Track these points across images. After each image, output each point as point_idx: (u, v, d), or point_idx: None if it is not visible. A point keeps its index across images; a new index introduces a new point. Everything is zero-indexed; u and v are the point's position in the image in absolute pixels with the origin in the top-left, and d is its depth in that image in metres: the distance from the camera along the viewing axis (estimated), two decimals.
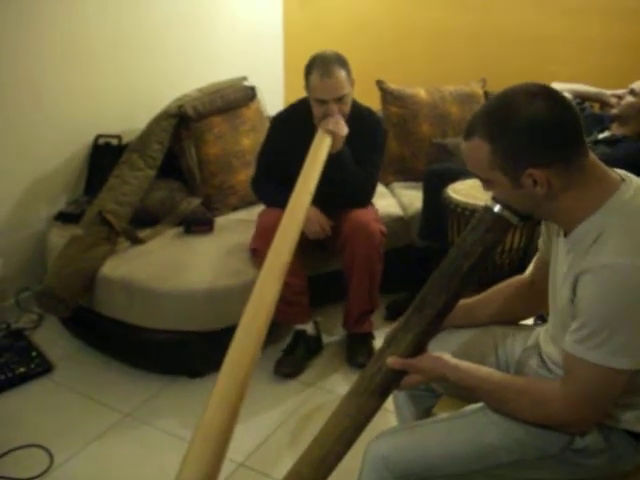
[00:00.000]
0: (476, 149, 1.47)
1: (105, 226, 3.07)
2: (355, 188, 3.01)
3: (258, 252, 2.86)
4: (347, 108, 2.94)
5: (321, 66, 2.85)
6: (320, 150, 2.72)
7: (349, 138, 2.91)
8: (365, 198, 3.11)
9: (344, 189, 2.98)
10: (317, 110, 2.92)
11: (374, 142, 3.08)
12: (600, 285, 1.37)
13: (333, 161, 2.81)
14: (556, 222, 1.58)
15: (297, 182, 2.52)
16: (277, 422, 2.73)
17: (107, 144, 3.57)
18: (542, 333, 1.77)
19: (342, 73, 2.86)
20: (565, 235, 1.52)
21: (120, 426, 2.70)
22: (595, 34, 3.94)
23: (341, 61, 2.89)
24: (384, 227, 3.05)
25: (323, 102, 2.88)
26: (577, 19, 3.97)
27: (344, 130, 2.88)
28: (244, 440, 2.56)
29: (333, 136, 2.82)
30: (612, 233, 1.39)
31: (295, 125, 3.03)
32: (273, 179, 3.05)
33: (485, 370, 1.58)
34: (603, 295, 1.37)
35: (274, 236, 2.25)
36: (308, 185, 2.51)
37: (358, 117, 3.02)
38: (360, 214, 2.99)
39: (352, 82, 2.94)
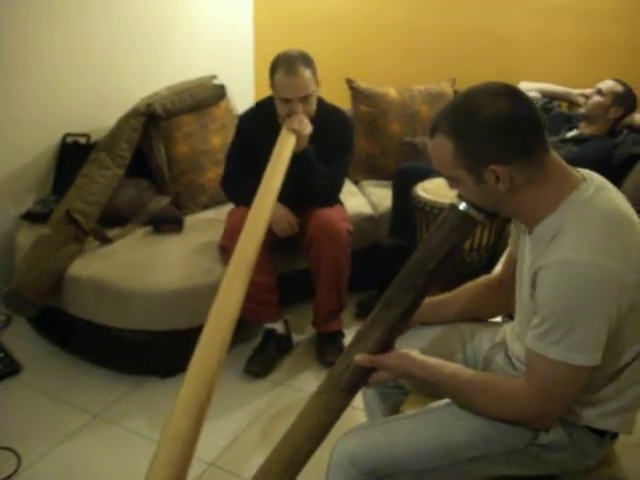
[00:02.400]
0: (440, 146, 1.49)
1: (73, 225, 3.04)
2: (321, 186, 3.01)
3: (227, 250, 2.85)
4: (312, 107, 2.94)
5: (286, 65, 2.85)
6: (284, 149, 2.71)
7: (315, 137, 2.91)
8: (331, 196, 3.12)
9: (310, 187, 2.98)
10: (281, 109, 2.91)
11: (341, 141, 3.09)
12: (556, 281, 1.40)
13: (298, 160, 2.81)
14: (520, 219, 1.60)
15: (262, 181, 2.52)
16: (247, 421, 2.72)
17: (75, 143, 3.54)
18: (508, 330, 1.79)
19: (307, 72, 2.86)
20: (530, 233, 1.55)
21: (89, 427, 2.68)
22: (563, 35, 3.99)
23: (306, 60, 2.89)
24: (351, 226, 3.05)
25: (288, 101, 2.87)
26: (546, 20, 4.02)
27: (308, 129, 2.87)
28: (214, 440, 2.56)
29: (297, 135, 2.82)
30: (569, 230, 1.42)
31: (262, 123, 3.02)
32: (241, 177, 3.04)
33: (452, 367, 1.59)
34: (558, 291, 1.39)
35: None
36: (272, 184, 2.51)
37: (325, 116, 3.02)
38: (326, 213, 3.00)
39: (317, 81, 2.94)
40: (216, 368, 1.70)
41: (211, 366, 1.69)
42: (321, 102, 3.04)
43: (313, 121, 2.91)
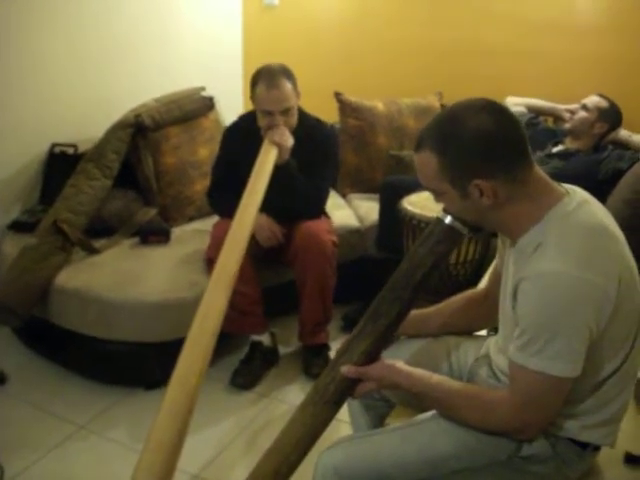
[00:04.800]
0: (425, 161, 1.51)
1: (60, 236, 3.04)
2: (304, 199, 3.02)
3: (213, 262, 2.84)
4: (293, 120, 2.97)
5: (267, 78, 2.88)
6: (266, 162, 2.73)
7: (297, 150, 2.92)
8: (315, 209, 3.12)
9: (293, 200, 2.99)
10: (262, 121, 2.93)
11: (324, 153, 3.10)
12: (536, 293, 1.41)
13: (280, 172, 2.82)
14: (504, 233, 1.62)
15: (244, 194, 2.53)
16: (232, 433, 2.72)
17: (63, 153, 3.53)
18: (492, 344, 1.80)
19: (288, 85, 2.89)
20: (513, 246, 1.56)
21: (74, 438, 2.67)
22: (550, 50, 4.01)
23: (287, 73, 2.92)
24: (336, 238, 3.06)
25: (269, 113, 2.90)
26: (533, 35, 4.04)
27: (289, 141, 2.89)
28: (199, 451, 2.55)
29: (279, 147, 2.84)
30: (551, 243, 1.43)
31: (246, 136, 3.03)
32: (226, 190, 3.04)
33: (437, 378, 1.60)
34: (538, 302, 1.41)
35: None
36: (254, 197, 2.52)
37: (307, 129, 3.04)
38: (311, 225, 3.01)
39: (298, 94, 2.97)
40: (198, 379, 1.71)
41: (193, 377, 1.69)
42: (304, 115, 3.06)
43: (295, 134, 2.93)
